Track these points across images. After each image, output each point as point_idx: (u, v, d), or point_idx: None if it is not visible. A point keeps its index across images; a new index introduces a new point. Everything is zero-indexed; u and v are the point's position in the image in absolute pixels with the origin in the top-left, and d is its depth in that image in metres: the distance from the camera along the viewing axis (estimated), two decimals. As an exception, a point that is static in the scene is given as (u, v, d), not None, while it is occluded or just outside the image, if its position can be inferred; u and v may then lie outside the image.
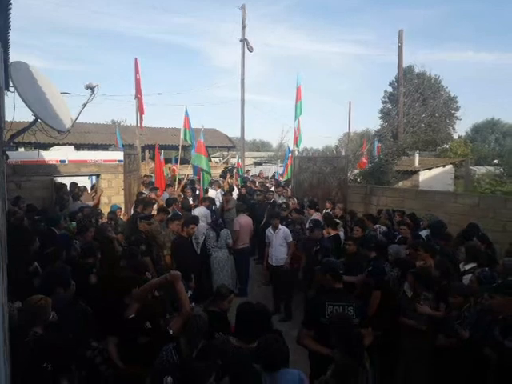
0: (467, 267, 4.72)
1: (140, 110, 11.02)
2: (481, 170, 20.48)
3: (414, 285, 4.34)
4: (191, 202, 9.37)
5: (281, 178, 15.14)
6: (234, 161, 23.05)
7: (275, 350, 2.74)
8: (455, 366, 3.67)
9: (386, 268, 4.94)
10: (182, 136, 11.00)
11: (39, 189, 9.89)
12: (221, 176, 14.34)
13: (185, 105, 11.04)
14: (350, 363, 2.59)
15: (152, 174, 13.53)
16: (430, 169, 19.80)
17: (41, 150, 12.42)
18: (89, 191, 10.31)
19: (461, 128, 37.79)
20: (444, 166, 20.81)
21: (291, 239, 6.93)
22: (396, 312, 4.37)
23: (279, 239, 6.92)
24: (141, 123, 11.27)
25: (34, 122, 6.56)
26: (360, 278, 4.88)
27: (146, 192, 9.87)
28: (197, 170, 10.92)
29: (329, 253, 5.60)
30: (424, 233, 6.27)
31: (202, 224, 7.42)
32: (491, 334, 3.33)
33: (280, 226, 7.02)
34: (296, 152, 12.66)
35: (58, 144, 12.92)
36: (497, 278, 4.29)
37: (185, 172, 12.76)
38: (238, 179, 14.27)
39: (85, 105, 7.64)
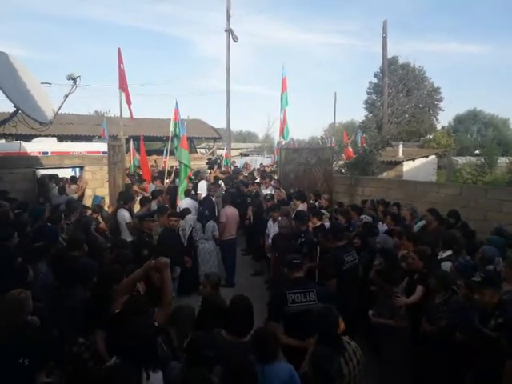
0: (444, 255, 4.87)
1: (127, 100, 10.81)
2: (463, 160, 20.82)
3: (377, 280, 4.48)
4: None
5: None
6: (220, 152, 22.95)
7: (270, 341, 2.78)
8: (435, 355, 3.79)
9: (348, 258, 5.03)
10: (171, 129, 10.77)
11: (21, 181, 9.70)
12: (209, 168, 14.32)
13: (175, 97, 10.90)
14: (325, 351, 2.64)
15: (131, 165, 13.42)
16: (413, 159, 20.06)
17: (22, 142, 12.19)
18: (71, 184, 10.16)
19: (444, 119, 38.38)
20: (427, 156, 21.11)
21: None
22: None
23: (275, 232, 6.85)
24: (131, 114, 11.05)
25: (15, 113, 6.44)
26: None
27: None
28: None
29: (313, 245, 5.64)
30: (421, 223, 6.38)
31: (190, 216, 7.41)
32: (469, 321, 3.42)
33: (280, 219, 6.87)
34: (282, 142, 12.66)
35: (40, 135, 12.66)
36: (477, 266, 4.43)
37: (172, 163, 12.67)
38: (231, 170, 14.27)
39: (67, 96, 7.51)
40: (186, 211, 7.31)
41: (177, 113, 10.52)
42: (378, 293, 4.50)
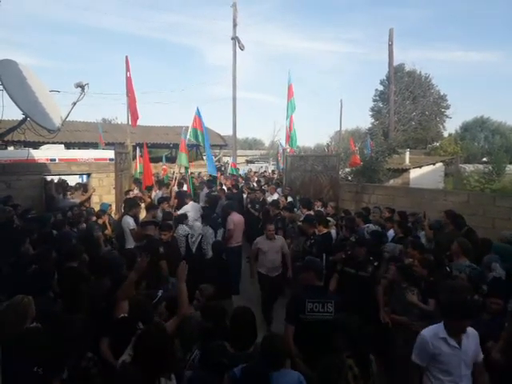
0: None
1: (131, 108, 10.88)
2: (470, 167, 20.66)
3: (397, 278, 4.46)
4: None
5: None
6: (225, 159, 23.01)
7: (279, 348, 2.76)
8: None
9: None
10: (188, 136, 10.65)
11: (29, 188, 9.77)
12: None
13: (188, 104, 10.90)
14: (335, 362, 2.60)
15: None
16: (420, 167, 19.95)
17: (30, 149, 12.33)
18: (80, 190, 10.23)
19: (450, 126, 38.27)
20: (434, 163, 20.99)
21: None
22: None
23: None
24: (133, 121, 11.05)
25: (24, 120, 6.52)
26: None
27: (136, 191, 9.86)
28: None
29: (323, 248, 5.62)
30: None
31: (198, 223, 7.37)
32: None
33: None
34: (288, 150, 12.65)
35: (48, 143, 12.77)
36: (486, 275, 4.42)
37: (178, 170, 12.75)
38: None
39: (75, 103, 7.61)
40: (182, 217, 7.25)
41: (197, 120, 10.23)
42: (396, 290, 4.48)
